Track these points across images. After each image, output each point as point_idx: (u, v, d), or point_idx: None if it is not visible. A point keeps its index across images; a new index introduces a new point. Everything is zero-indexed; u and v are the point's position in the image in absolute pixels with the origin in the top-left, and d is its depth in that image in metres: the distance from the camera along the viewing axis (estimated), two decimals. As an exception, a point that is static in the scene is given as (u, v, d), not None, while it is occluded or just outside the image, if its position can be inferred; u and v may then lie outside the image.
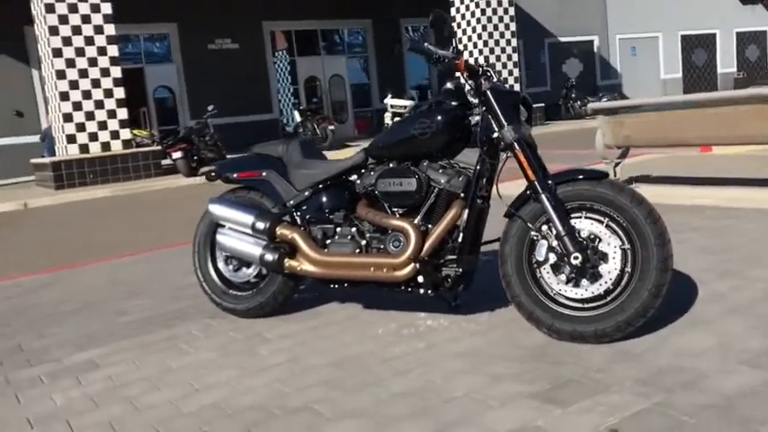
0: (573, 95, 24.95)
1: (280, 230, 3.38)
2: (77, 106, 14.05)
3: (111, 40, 14.29)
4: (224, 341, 3.39)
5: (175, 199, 11.39)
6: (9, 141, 18.23)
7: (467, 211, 3.07)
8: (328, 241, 3.37)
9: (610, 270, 2.85)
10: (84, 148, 14.16)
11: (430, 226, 3.15)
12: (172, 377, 2.99)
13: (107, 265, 5.78)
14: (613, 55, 29.18)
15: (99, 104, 14.25)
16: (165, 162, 14.68)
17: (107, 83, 14.32)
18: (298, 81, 24.10)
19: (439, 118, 3.10)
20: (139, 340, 3.53)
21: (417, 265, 3.06)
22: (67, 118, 13.98)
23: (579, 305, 2.91)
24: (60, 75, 13.83)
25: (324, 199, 3.41)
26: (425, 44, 3.04)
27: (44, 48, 14.18)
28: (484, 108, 3.06)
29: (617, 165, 6.74)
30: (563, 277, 2.91)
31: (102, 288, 4.83)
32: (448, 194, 3.12)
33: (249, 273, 3.63)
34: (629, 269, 2.84)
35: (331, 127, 18.53)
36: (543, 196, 2.89)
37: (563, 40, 27.86)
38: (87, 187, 13.69)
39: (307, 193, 3.44)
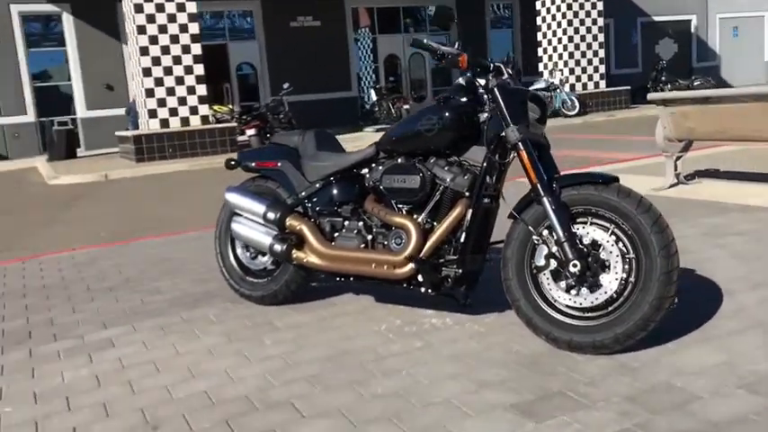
0: (663, 78, 23.90)
1: (289, 221, 3.42)
2: (159, 82, 14.54)
3: (192, 17, 14.69)
4: (234, 327, 3.46)
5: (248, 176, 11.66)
6: (100, 114, 19.10)
7: (470, 211, 3.00)
8: (336, 234, 3.38)
9: (610, 280, 2.74)
10: (164, 123, 14.67)
11: (436, 224, 3.10)
12: (175, 362, 3.09)
13: (163, 240, 5.98)
14: (712, 36, 27.74)
15: (179, 80, 14.70)
16: (240, 138, 15.04)
17: (187, 59, 14.74)
18: (378, 59, 24.10)
19: (446, 114, 3.04)
20: (159, 321, 3.65)
21: (416, 264, 3.02)
22: (149, 93, 14.51)
23: (579, 314, 2.81)
24: (144, 51, 14.33)
25: (334, 192, 3.41)
26: (425, 40, 2.97)
27: (130, 24, 14.72)
28: (493, 105, 2.98)
29: (678, 158, 6.43)
30: (563, 284, 2.81)
31: (147, 264, 5.01)
32: (453, 193, 3.06)
33: (265, 261, 3.69)
34: (632, 279, 2.72)
35: (406, 106, 18.48)
36: (545, 199, 2.80)
37: (657, 19, 26.71)
38: (166, 161, 14.20)
39: (318, 186, 3.46)
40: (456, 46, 2.99)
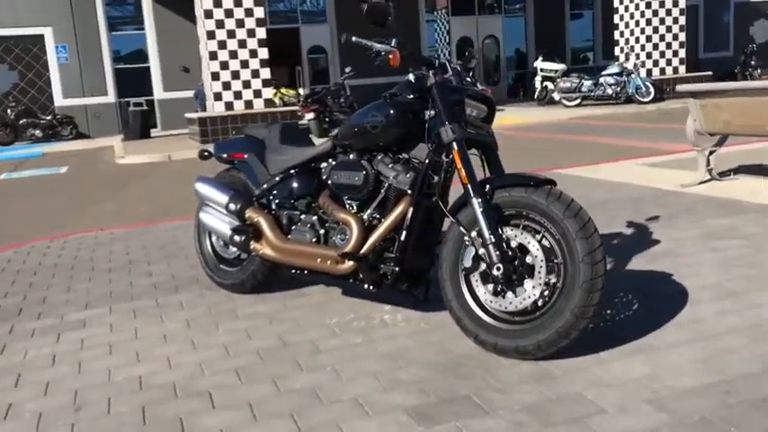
0: (753, 62, 22.65)
1: (249, 213, 3.50)
2: (224, 65, 14.94)
3: (258, 1, 14.98)
4: (198, 314, 3.59)
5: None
6: (175, 95, 19.82)
7: (411, 209, 2.99)
8: (293, 228, 3.44)
9: (534, 285, 2.68)
10: (228, 106, 15.08)
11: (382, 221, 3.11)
12: (129, 345, 3.24)
13: (182, 224, 6.20)
14: (814, 16, 26.03)
15: (244, 64, 15.06)
16: (301, 122, 15.28)
17: (252, 43, 15.07)
18: (450, 41, 23.89)
19: (390, 111, 3.03)
20: (135, 305, 3.82)
21: (354, 261, 3.03)
22: (215, 77, 14.93)
23: (507, 317, 2.77)
24: (210, 35, 14.74)
25: (291, 185, 3.47)
26: (354, 38, 2.96)
27: (198, 9, 15.16)
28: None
29: (711, 153, 6.12)
30: (490, 287, 2.78)
31: (154, 248, 5.22)
32: (396, 191, 3.06)
33: (236, 250, 3.78)
34: (560, 285, 2.65)
35: (473, 90, 18.21)
36: (474, 201, 2.76)
37: (753, -1, 25.29)
38: (228, 142, 14.61)
39: (277, 179, 3.51)
40: (393, 43, 2.97)
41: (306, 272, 3.37)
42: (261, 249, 3.44)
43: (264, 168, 3.57)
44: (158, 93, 20.08)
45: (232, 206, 3.53)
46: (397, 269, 3.02)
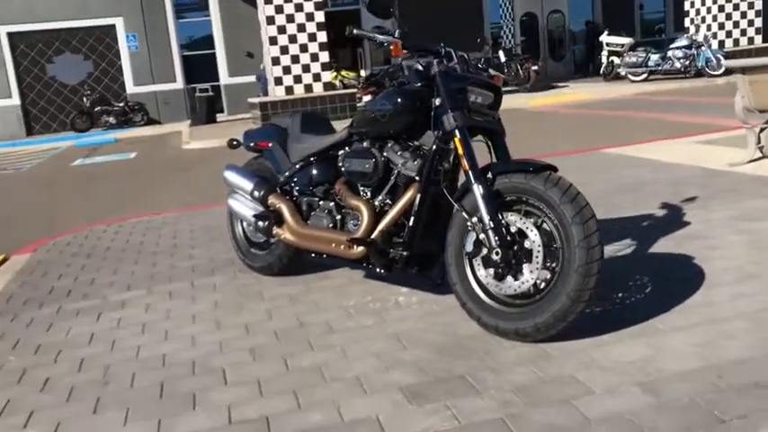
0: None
1: (271, 200, 3.65)
2: (284, 50, 15.20)
3: (316, -15, 15.16)
4: (227, 296, 3.78)
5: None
6: (240, 80, 20.27)
7: (419, 195, 3.07)
8: (312, 213, 3.57)
9: (531, 269, 2.74)
10: (288, 90, 15.36)
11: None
12: (160, 325, 3.45)
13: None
14: None
15: (303, 48, 15.28)
16: (359, 104, 15.42)
17: (311, 27, 15.27)
18: (515, 17, 23.52)
19: (398, 100, 3.11)
20: (172, 286, 4.05)
21: (363, 246, 3.14)
22: (275, 61, 15.22)
23: (509, 300, 2.83)
24: (270, 20, 15.01)
25: (310, 173, 3.59)
26: (355, 30, 3.04)
27: (259, -5, 15.45)
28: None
29: (762, 131, 5.93)
30: (491, 271, 2.84)
31: (201, 231, 5.47)
32: (405, 177, 3.14)
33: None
34: (558, 269, 2.70)
35: (534, 68, 17.98)
36: (474, 186, 2.82)
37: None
38: (289, 126, 14.90)
39: (298, 166, 3.65)
40: (396, 33, 3.04)
41: (324, 256, 3.50)
42: (282, 234, 3.60)
43: (286, 156, 3.71)
44: (224, 78, 20.59)
45: (256, 193, 3.69)
46: (404, 254, 3.11)
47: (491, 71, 3.52)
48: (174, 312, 3.61)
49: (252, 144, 3.93)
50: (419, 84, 3.13)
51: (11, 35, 19.12)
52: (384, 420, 2.33)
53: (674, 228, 4.15)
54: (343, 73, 18.89)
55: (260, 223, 3.65)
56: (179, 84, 20.22)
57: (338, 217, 3.45)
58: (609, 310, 3.05)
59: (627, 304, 3.10)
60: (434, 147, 3.04)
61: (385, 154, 3.21)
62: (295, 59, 15.30)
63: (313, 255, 3.56)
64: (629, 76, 17.86)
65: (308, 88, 15.44)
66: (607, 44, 19.38)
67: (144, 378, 2.85)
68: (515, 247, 2.77)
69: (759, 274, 3.29)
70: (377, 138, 3.30)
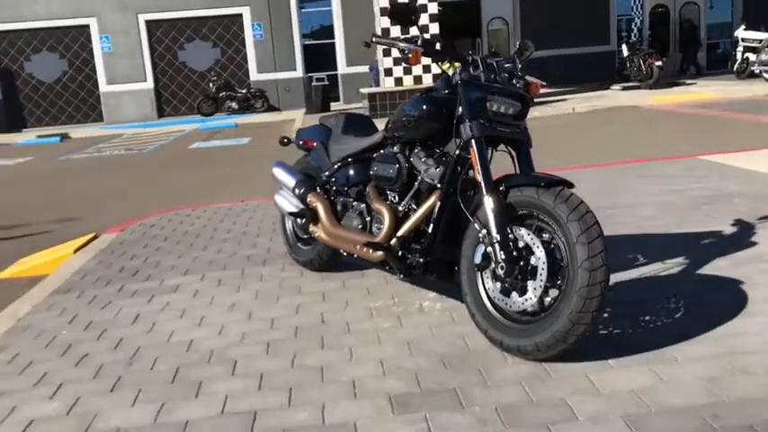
0: None
1: (310, 198, 3.75)
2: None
3: (430, -23, 15.15)
4: (269, 287, 3.93)
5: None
6: (357, 70, 20.62)
7: (439, 203, 3.06)
8: (346, 214, 3.64)
9: (535, 287, 2.67)
10: (398, 81, 15.48)
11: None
12: (200, 311, 3.65)
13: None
14: None
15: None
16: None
17: (424, 18, 15.24)
18: (644, 10, 22.45)
19: (423, 107, 3.12)
20: (225, 273, 4.26)
21: (382, 250, 3.17)
22: (386, 52, 15.37)
23: (518, 316, 2.78)
24: (383, 12, 15.14)
25: (346, 174, 3.65)
26: (374, 39, 3.04)
27: (373, -14, 15.64)
28: None
29: None
30: (498, 286, 2.80)
31: (270, 221, 5.66)
32: (427, 184, 3.15)
33: (308, 230, 4.06)
34: (563, 288, 2.62)
35: (658, 63, 17.11)
36: (485, 199, 2.78)
37: None
38: (396, 117, 15.03)
39: (336, 167, 3.72)
40: (419, 42, 3.03)
41: (354, 256, 3.56)
42: (317, 232, 3.69)
43: (327, 156, 3.80)
44: (341, 67, 21.03)
45: (297, 191, 3.81)
46: (421, 260, 3.12)
47: (530, 78, 3.43)
48: (216, 300, 3.81)
49: (301, 142, 4.05)
50: (446, 91, 3.12)
51: (148, 23, 20.42)
52: (360, 426, 2.38)
53: (736, 248, 3.89)
54: (457, 64, 18.75)
55: (298, 220, 3.77)
56: (299, 72, 20.85)
57: (368, 219, 3.50)
58: (628, 334, 2.92)
59: (649, 328, 2.96)
60: (456, 155, 3.03)
61: (410, 160, 3.22)
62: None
63: (345, 254, 3.64)
64: (764, 75, 16.63)
65: (418, 80, 15.49)
66: (743, 39, 18.13)
67: (164, 362, 3.03)
68: (521, 263, 2.71)
69: (809, 305, 3.04)
70: (407, 142, 3.31)
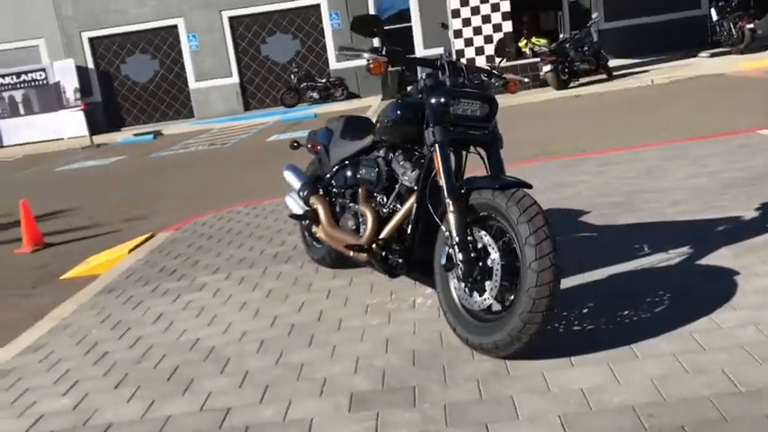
0: None
1: (312, 200, 3.91)
2: (466, 22, 15.24)
3: (501, -46, 14.92)
4: (283, 285, 4.14)
5: (526, 113, 11.88)
6: (434, 52, 20.54)
7: (415, 205, 3.16)
8: (343, 215, 3.78)
9: (492, 287, 2.74)
10: (470, 62, 15.37)
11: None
12: (216, 309, 3.90)
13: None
14: None
15: (486, 19, 15.19)
16: (542, 74, 15.00)
17: (495, 17, 15.09)
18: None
19: (398, 112, 3.20)
20: (249, 272, 4.51)
21: (362, 251, 3.30)
22: (457, 34, 15.32)
23: (482, 315, 2.86)
24: (454, 13, 15.10)
25: (343, 176, 3.78)
26: (341, 49, 3.13)
27: (442, -32, 15.56)
28: None
29: None
30: (462, 285, 2.88)
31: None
32: (405, 187, 3.24)
33: (321, 230, 4.24)
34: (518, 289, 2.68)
35: (749, 26, 16.12)
36: (447, 202, 2.86)
37: None
38: (468, 99, 14.96)
39: (334, 170, 3.86)
40: (384, 51, 3.11)
41: (350, 255, 3.70)
42: (318, 233, 3.86)
43: (328, 159, 3.95)
44: (419, 50, 21.02)
45: (301, 193, 3.99)
46: (400, 261, 3.23)
47: (508, 76, 3.45)
48: (232, 298, 4.06)
49: (308, 146, 4.21)
50: (420, 96, 3.19)
51: (231, 19, 21.13)
52: (316, 423, 2.54)
53: (748, 235, 3.76)
54: (534, 40, 18.34)
55: (303, 221, 3.95)
56: (377, 57, 20.99)
57: (360, 220, 3.63)
58: (600, 330, 2.93)
59: (624, 324, 2.96)
60: (427, 159, 3.11)
61: (392, 163, 3.33)
62: (477, 31, 15.27)
63: (344, 253, 3.79)
64: None
65: (490, 60, 15.32)
66: None
67: (168, 360, 3.30)
68: (480, 264, 2.78)
69: (798, 299, 2.94)
70: (392, 146, 3.41)
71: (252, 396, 2.81)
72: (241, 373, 3.03)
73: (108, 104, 21.69)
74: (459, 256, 2.80)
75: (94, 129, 20.09)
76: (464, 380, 2.69)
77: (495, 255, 2.73)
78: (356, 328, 3.33)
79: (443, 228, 2.95)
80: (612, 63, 17.00)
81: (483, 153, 3.11)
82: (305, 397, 2.74)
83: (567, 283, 3.47)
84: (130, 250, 5.80)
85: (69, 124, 20.37)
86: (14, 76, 21.00)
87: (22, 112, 21.19)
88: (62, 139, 20.51)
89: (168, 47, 21.51)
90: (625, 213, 4.53)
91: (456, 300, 2.96)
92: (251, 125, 18.15)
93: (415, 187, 3.18)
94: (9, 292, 5.51)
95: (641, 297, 3.17)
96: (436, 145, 2.95)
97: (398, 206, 3.35)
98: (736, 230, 3.89)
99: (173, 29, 21.32)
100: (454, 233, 2.83)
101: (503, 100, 13.49)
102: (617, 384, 2.49)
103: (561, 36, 19.13)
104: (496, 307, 2.80)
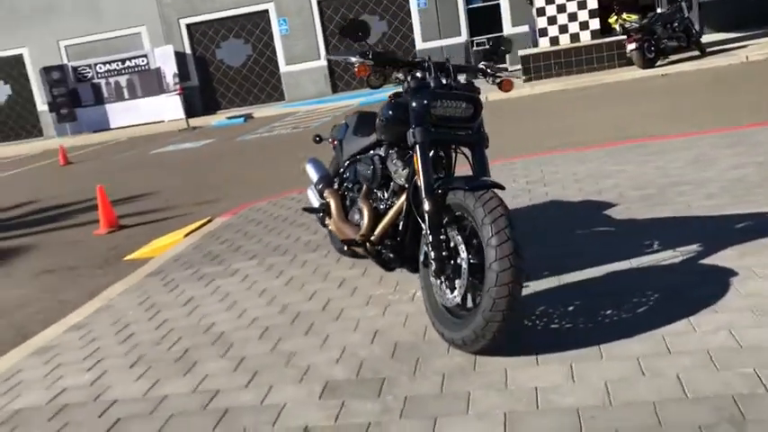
0: None
1: (326, 194, 4.07)
2: (549, 0, 14.87)
3: (586, -72, 14.45)
4: (304, 273, 4.34)
5: (607, 93, 11.58)
6: (521, 30, 20.17)
7: (405, 202, 3.26)
8: (351, 210, 3.91)
9: (461, 285, 2.82)
10: (553, 41, 15.04)
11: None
12: (237, 296, 4.15)
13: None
14: None
15: (569, -5, 14.79)
16: (627, 53, 14.47)
17: (582, 15, 14.67)
18: None
19: (389, 112, 3.30)
20: (278, 259, 4.74)
21: (355, 246, 3.43)
22: (540, 12, 15.01)
23: (457, 311, 2.94)
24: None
25: (352, 172, 3.92)
26: (328, 55, 3.23)
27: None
28: None
29: None
30: (437, 282, 2.97)
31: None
32: (398, 185, 3.35)
33: (341, 220, 4.40)
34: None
35: None
36: (424, 201, 2.95)
37: None
38: (549, 80, 14.67)
39: (345, 165, 4.00)
40: (370, 54, 3.19)
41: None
42: (330, 225, 4.03)
43: (341, 155, 4.10)
44: (507, 28, 20.70)
45: (318, 187, 4.16)
46: (392, 256, 3.35)
47: (504, 74, 3.47)
48: (256, 285, 4.30)
49: (328, 140, 4.37)
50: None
51: (320, 2, 21.50)
52: (286, 408, 2.72)
53: (759, 235, 3.62)
54: (625, 16, 17.66)
55: (318, 213, 4.13)
56: (463, 37, 20.87)
57: (358, 216, 3.76)
58: (578, 329, 2.96)
59: (604, 324, 2.96)
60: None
61: (387, 161, 3.43)
62: (561, 9, 14.90)
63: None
64: None
65: (575, 38, 14.95)
66: None
67: (182, 343, 3.58)
68: (452, 262, 2.87)
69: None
70: (391, 144, 3.52)
71: (241, 380, 3.03)
72: (238, 358, 3.25)
73: (204, 88, 22.65)
74: (432, 254, 2.89)
75: (192, 112, 21.10)
76: (432, 373, 2.79)
77: (464, 254, 2.81)
78: (353, 319, 3.49)
79: (423, 226, 3.04)
80: (709, 38, 16.18)
81: (469, 153, 3.16)
82: (286, 383, 2.93)
83: (562, 280, 3.49)
84: (186, 234, 6.18)
85: (169, 108, 21.45)
86: (119, 63, 22.29)
87: (126, 96, 22.48)
88: (162, 121, 21.64)
89: (260, 31, 22.17)
90: (651, 207, 4.44)
91: (436, 294, 3.05)
92: (336, 107, 18.50)
93: (406, 185, 3.28)
94: (78, 272, 6.01)
95: (628, 296, 3.16)
96: (416, 146, 3.04)
97: (395, 203, 3.45)
98: (753, 228, 3.76)
99: (264, 13, 21.93)
100: (427, 231, 2.92)
101: (588, 79, 13.27)
102: (572, 385, 2.53)
103: (659, 9, 18.31)
104: (471, 304, 2.89)
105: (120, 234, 7.29)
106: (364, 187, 3.71)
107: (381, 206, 3.52)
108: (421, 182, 3.00)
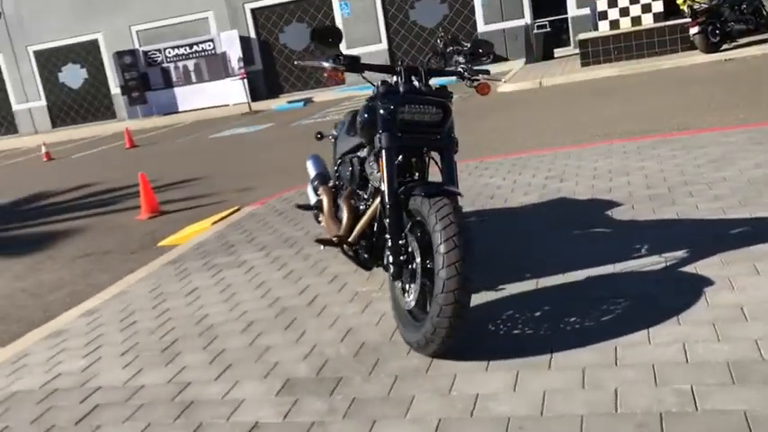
0: None
1: (320, 191, 4.14)
2: (610, -18, 14.45)
3: None
4: (304, 266, 4.45)
5: (664, 80, 11.23)
6: (584, 12, 19.66)
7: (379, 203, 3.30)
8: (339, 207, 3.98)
9: (415, 289, 2.85)
10: (613, 24, 14.62)
11: (376, 211, 3.48)
12: (238, 287, 4.30)
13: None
14: None
15: (631, -23, 14.32)
16: (691, 36, 13.90)
17: None
18: None
19: (365, 115, 3.33)
20: (281, 252, 4.87)
21: (332, 245, 3.50)
22: (600, -6, 14.58)
23: (417, 313, 2.98)
24: None
25: (340, 171, 3.97)
26: (299, 62, 3.27)
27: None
28: None
29: None
30: (398, 285, 3.01)
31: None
32: (374, 186, 3.39)
33: (343, 216, 4.48)
34: None
35: None
36: (387, 206, 2.99)
37: None
38: (606, 65, 14.27)
39: (337, 163, 4.06)
40: (343, 60, 3.22)
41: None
42: (322, 222, 4.11)
43: (335, 152, 4.16)
44: (571, 10, 20.21)
45: (313, 183, 4.25)
46: (366, 256, 3.41)
47: (483, 77, 3.46)
48: (257, 278, 4.44)
49: (330, 137, 4.44)
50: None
51: (382, -14, 21.52)
52: (244, 402, 2.84)
53: (754, 241, 3.50)
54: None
55: (314, 210, 4.21)
56: (527, 19, 20.49)
57: (338, 215, 3.82)
58: (538, 336, 2.95)
59: (565, 331, 2.95)
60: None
61: (365, 163, 3.48)
62: (622, -9, 14.44)
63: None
64: None
65: (636, 21, 14.48)
66: None
67: (174, 333, 3.75)
68: (409, 266, 2.90)
69: (755, 317, 2.76)
70: (371, 146, 3.56)
71: (213, 373, 3.16)
72: (217, 351, 3.39)
73: (268, 72, 23.06)
74: (390, 258, 2.94)
75: (256, 96, 21.55)
76: (386, 375, 2.85)
77: (418, 259, 2.85)
78: (333, 316, 3.57)
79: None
80: (782, 20, 15.35)
81: (438, 158, 3.18)
82: (251, 378, 3.04)
83: (540, 283, 3.47)
84: (214, 222, 6.39)
85: (233, 91, 21.97)
86: (187, 47, 22.93)
87: (193, 80, 23.14)
88: (227, 105, 22.18)
89: (323, 15, 22.36)
90: (656, 209, 4.33)
91: (400, 297, 3.10)
92: (393, 92, 18.50)
93: (381, 187, 3.32)
94: (114, 256, 6.31)
95: (599, 303, 3.12)
96: (382, 151, 3.07)
97: (372, 204, 3.50)
98: (746, 234, 3.63)
99: (326, -3, 22.11)
100: (388, 235, 2.97)
101: (646, 64, 12.93)
102: (511, 393, 2.55)
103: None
104: (406, 304, 2.93)
105: (160, 219, 7.58)
106: (348, 187, 3.78)
107: (362, 206, 3.58)
108: (384, 186, 3.04)
